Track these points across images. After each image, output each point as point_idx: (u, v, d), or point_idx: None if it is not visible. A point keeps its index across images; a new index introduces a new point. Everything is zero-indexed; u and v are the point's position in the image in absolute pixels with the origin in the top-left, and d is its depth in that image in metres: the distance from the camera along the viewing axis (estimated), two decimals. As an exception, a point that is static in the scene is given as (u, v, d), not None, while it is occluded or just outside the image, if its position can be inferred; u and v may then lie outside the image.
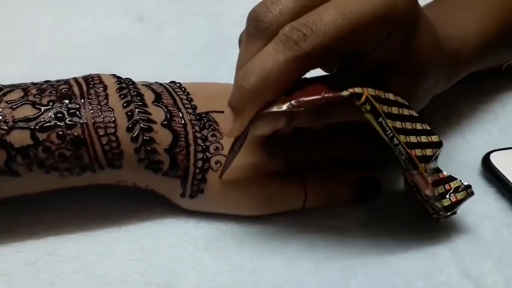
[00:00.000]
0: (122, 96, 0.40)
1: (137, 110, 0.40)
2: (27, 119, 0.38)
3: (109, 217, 0.42)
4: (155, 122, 0.40)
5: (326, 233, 0.43)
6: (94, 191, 0.42)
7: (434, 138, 0.40)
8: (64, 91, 0.39)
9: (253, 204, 0.43)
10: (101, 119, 0.39)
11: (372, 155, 0.45)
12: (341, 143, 0.44)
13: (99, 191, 0.42)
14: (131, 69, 0.46)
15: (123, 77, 0.42)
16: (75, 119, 0.38)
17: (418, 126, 0.39)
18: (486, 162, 0.47)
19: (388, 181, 0.46)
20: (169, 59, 0.59)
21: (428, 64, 0.41)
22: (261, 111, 0.36)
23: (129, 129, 0.39)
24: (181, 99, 0.42)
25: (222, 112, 0.38)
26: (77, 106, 0.39)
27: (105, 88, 0.40)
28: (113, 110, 0.39)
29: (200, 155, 0.41)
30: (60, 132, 0.38)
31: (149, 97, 0.41)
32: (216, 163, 0.41)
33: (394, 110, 0.38)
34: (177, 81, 0.44)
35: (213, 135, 0.41)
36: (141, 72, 0.47)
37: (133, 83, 0.42)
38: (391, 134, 0.37)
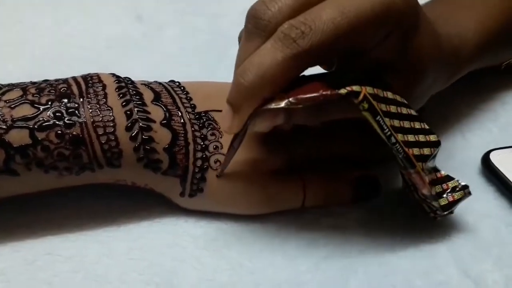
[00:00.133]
0: (121, 95, 0.40)
1: (136, 109, 0.40)
2: (25, 118, 0.38)
3: (108, 216, 0.42)
4: (154, 121, 0.40)
5: (325, 232, 0.43)
6: (93, 190, 0.41)
7: (432, 138, 0.40)
8: (63, 90, 0.39)
9: (252, 203, 0.42)
10: (100, 118, 0.39)
11: (371, 152, 0.45)
12: (340, 140, 0.44)
13: (98, 190, 0.42)
14: (131, 69, 0.46)
15: (123, 76, 0.42)
16: (74, 118, 0.38)
17: (417, 125, 0.39)
18: (485, 161, 0.47)
19: (387, 180, 0.45)
20: (169, 59, 0.59)
21: (427, 63, 0.41)
22: (259, 108, 0.37)
23: (128, 128, 0.39)
24: (180, 98, 0.42)
25: (221, 111, 0.38)
26: (76, 105, 0.39)
27: (104, 87, 0.40)
28: (112, 109, 0.39)
29: (199, 154, 0.41)
30: (59, 131, 0.38)
31: (148, 96, 0.41)
32: (215, 162, 0.41)
33: (393, 108, 0.38)
34: (176, 80, 0.44)
35: (213, 134, 0.41)
36: (141, 71, 0.47)
37: (132, 82, 0.42)
38: (389, 132, 0.37)
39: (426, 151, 0.39)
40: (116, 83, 0.41)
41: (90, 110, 0.39)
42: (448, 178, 0.41)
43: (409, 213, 0.44)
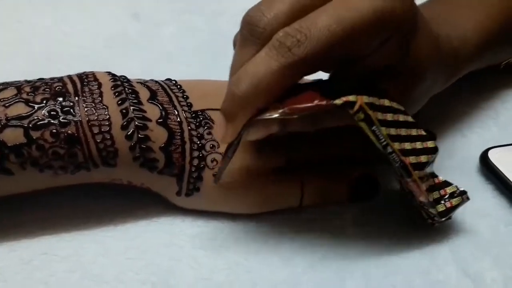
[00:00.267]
0: (116, 94, 0.40)
1: (132, 107, 0.39)
2: (20, 117, 0.37)
3: (104, 216, 0.42)
4: (150, 120, 0.40)
5: (323, 232, 0.42)
6: (89, 189, 0.41)
7: (430, 144, 0.39)
8: (58, 88, 0.39)
9: (250, 202, 0.42)
10: (96, 117, 0.38)
11: (370, 152, 0.45)
12: (338, 140, 0.44)
13: (94, 189, 0.42)
14: (130, 68, 0.46)
15: (120, 75, 0.42)
16: (69, 117, 0.38)
17: (413, 132, 0.39)
18: (484, 159, 0.47)
19: (387, 180, 0.45)
20: (166, 58, 0.59)
21: (426, 66, 0.41)
22: (253, 117, 0.36)
23: (124, 127, 0.39)
24: (176, 97, 0.42)
25: (218, 109, 0.38)
26: (71, 104, 0.39)
27: (99, 85, 0.40)
28: (107, 107, 0.39)
29: (196, 153, 0.41)
30: (54, 130, 0.38)
31: (144, 94, 0.41)
32: (212, 161, 0.41)
33: (389, 116, 0.37)
34: (173, 79, 0.44)
35: (209, 133, 0.41)
36: (139, 70, 0.47)
37: (128, 80, 0.42)
38: (385, 142, 0.37)
39: (423, 158, 0.39)
40: (111, 81, 0.41)
41: (86, 109, 0.39)
42: (446, 183, 0.41)
43: (407, 212, 0.43)
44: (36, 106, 0.38)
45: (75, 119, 0.38)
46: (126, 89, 0.40)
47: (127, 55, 0.59)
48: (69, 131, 0.38)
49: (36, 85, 0.39)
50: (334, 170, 0.44)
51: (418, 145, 0.39)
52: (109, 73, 0.42)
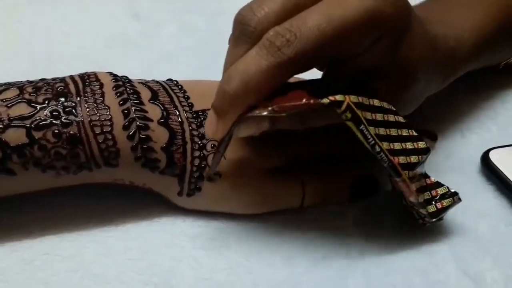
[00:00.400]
0: (118, 94, 0.40)
1: (133, 108, 0.40)
2: (22, 118, 0.37)
3: (105, 216, 0.42)
4: (151, 120, 0.40)
5: (324, 232, 0.42)
6: (91, 190, 0.41)
7: (421, 144, 0.40)
8: (60, 89, 0.39)
9: (251, 202, 0.42)
10: (97, 117, 0.38)
11: (359, 149, 0.45)
12: (336, 139, 0.44)
13: (95, 190, 0.41)
14: (130, 68, 0.46)
15: (121, 75, 0.42)
16: (71, 117, 0.38)
17: (404, 132, 0.39)
18: (485, 159, 0.47)
19: (385, 179, 0.45)
20: (166, 58, 0.59)
21: (419, 66, 0.41)
22: (243, 114, 0.37)
23: (126, 127, 0.39)
24: (177, 97, 0.42)
25: None
26: (73, 104, 0.39)
27: (101, 86, 0.40)
28: (109, 108, 0.39)
29: (197, 153, 0.41)
30: (56, 131, 0.38)
31: (145, 95, 0.41)
32: (213, 161, 0.41)
33: (379, 116, 0.37)
34: (174, 79, 0.44)
35: (210, 133, 0.41)
36: (139, 70, 0.47)
37: (130, 81, 0.42)
38: (373, 141, 0.37)
39: (414, 158, 0.39)
40: (113, 81, 0.41)
41: (87, 109, 0.39)
42: (438, 184, 0.41)
43: (407, 212, 0.43)
44: (38, 107, 0.38)
45: (77, 119, 0.38)
46: (128, 89, 0.40)
47: (127, 55, 0.59)
48: (71, 132, 0.38)
49: (38, 86, 0.39)
50: (334, 170, 0.45)
51: (409, 145, 0.39)
52: (111, 73, 0.42)
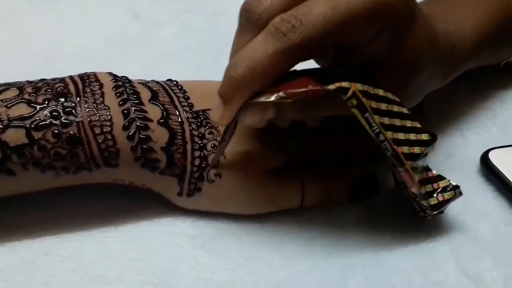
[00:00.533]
0: (118, 95, 0.40)
1: (133, 108, 0.40)
2: (22, 118, 0.37)
3: (105, 216, 0.42)
4: (151, 120, 0.40)
5: (324, 232, 0.42)
6: (91, 190, 0.41)
7: (424, 136, 0.40)
8: (59, 89, 0.39)
9: (251, 202, 0.42)
10: (97, 118, 0.38)
11: (370, 150, 0.45)
12: (338, 139, 0.44)
13: (95, 190, 0.41)
14: (130, 68, 0.46)
15: (121, 75, 0.42)
16: (71, 117, 0.38)
17: (408, 124, 0.39)
18: (484, 160, 0.47)
19: (387, 179, 0.45)
20: (166, 58, 0.59)
21: (421, 61, 0.41)
22: (249, 100, 0.37)
23: (125, 128, 0.39)
24: (177, 97, 0.42)
25: None
26: (73, 104, 0.39)
27: (101, 86, 0.40)
28: (109, 108, 0.39)
29: (197, 153, 0.41)
30: (56, 131, 0.38)
31: (145, 95, 0.41)
32: (213, 161, 0.41)
33: (383, 106, 0.37)
34: (173, 79, 0.44)
35: (210, 133, 0.41)
36: (139, 70, 0.47)
37: (130, 81, 0.42)
38: (377, 129, 0.37)
39: (417, 149, 0.39)
40: (113, 82, 0.41)
41: (87, 110, 0.39)
42: (439, 177, 0.41)
43: (408, 212, 0.43)
44: (38, 107, 0.38)
45: (77, 119, 0.38)
46: (128, 89, 0.40)
47: (127, 55, 0.59)
48: (71, 132, 0.38)
49: (38, 86, 0.39)
50: (334, 170, 0.45)
51: (412, 136, 0.39)
52: (111, 73, 0.42)
